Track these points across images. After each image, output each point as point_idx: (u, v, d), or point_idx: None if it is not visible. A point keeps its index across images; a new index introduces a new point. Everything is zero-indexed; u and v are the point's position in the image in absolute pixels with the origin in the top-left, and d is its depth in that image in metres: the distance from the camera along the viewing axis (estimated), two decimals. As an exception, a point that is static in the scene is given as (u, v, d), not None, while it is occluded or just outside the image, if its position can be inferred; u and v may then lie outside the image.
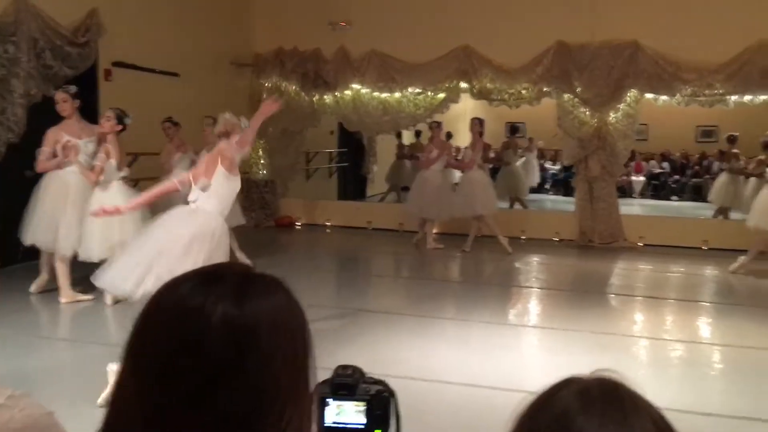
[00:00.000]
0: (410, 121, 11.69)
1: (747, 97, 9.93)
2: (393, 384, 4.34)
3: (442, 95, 11.06)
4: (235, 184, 4.63)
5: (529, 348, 5.79)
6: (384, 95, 11.34)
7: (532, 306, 7.36)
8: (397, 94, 11.27)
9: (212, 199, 4.46)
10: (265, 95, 11.69)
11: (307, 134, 12.30)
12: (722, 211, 11.91)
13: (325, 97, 11.63)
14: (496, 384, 4.49)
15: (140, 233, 4.66)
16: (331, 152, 14.34)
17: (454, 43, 10.77)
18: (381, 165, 15.50)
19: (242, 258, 8.19)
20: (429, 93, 11.12)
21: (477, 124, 9.68)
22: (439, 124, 10.18)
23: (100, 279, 4.43)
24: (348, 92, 11.48)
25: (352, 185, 14.99)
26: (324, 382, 1.14)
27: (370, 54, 11.20)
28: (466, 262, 9.44)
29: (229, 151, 4.56)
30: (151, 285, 3.98)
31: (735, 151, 11.96)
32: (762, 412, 4.29)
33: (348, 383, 1.10)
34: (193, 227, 4.32)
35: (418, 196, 10.01)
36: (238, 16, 11.70)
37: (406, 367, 4.89)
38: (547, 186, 18.44)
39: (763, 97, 9.87)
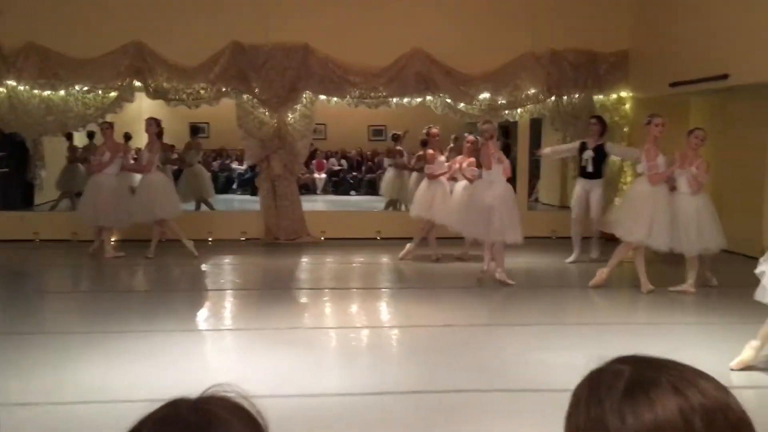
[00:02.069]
0: (79, 122, 10.74)
1: (406, 99, 10.98)
2: (66, 410, 3.93)
3: (114, 94, 10.38)
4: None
5: (214, 352, 5.71)
6: (47, 93, 10.29)
7: (220, 308, 7.28)
8: (63, 92, 10.31)
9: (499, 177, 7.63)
10: None
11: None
12: (392, 204, 13.06)
13: (-27, 94, 10.18)
14: (181, 394, 4.32)
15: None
16: (-14, 157, 12.59)
17: (124, 38, 10.19)
18: (51, 170, 14.03)
19: None
20: (99, 91, 10.36)
21: (153, 125, 9.29)
22: (110, 125, 9.56)
23: None
24: (2, 89, 10.19)
25: (16, 193, 13.36)
26: None
27: (28, 47, 10.08)
28: (150, 270, 9.01)
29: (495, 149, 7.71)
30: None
31: (399, 148, 13.18)
32: (433, 384, 4.76)
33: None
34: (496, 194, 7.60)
35: (92, 203, 9.29)
36: None
37: (81, 389, 4.49)
38: (235, 186, 18.51)
39: (419, 99, 11.00)
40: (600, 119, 9.19)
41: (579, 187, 9.27)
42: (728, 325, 6.15)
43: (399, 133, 13.14)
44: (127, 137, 12.37)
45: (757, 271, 4.89)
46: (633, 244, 7.39)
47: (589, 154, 8.82)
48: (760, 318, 4.97)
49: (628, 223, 7.40)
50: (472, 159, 9.18)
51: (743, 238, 8.91)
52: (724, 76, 8.48)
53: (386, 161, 16.34)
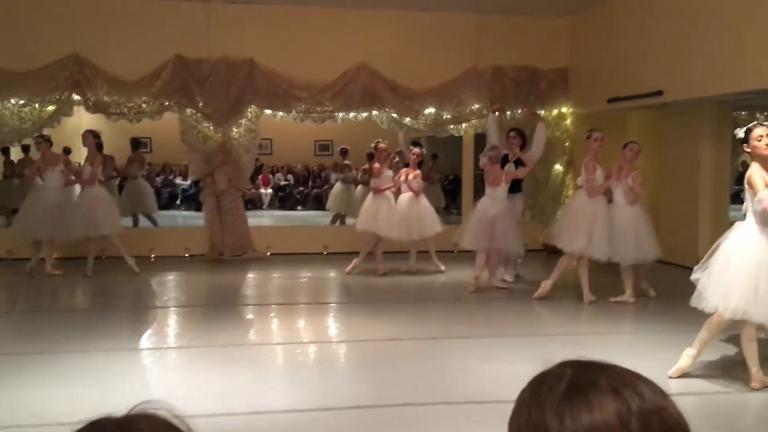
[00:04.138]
0: (15, 136, 10.37)
1: (352, 114, 11.00)
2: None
3: (52, 107, 10.11)
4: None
5: (158, 371, 5.56)
6: (-20, 107, 9.95)
7: (163, 326, 7.11)
8: (-2, 106, 9.99)
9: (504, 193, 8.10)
10: None
11: None
12: (339, 218, 13.04)
13: None
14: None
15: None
16: None
17: (62, 51, 9.94)
18: (-16, 186, 13.59)
19: None
20: (36, 105, 10.06)
21: (89, 136, 9.08)
22: (47, 139, 9.29)
23: None
24: (-68, 102, 9.80)
25: (-54, 210, 12.86)
26: None
27: (-42, 59, 9.74)
28: (90, 288, 8.76)
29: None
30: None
31: (346, 162, 13.21)
32: (380, 398, 4.73)
33: None
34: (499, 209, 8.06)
35: (30, 217, 9.01)
36: None
37: (18, 413, 4.34)
38: (179, 201, 18.19)
39: (365, 114, 11.04)
40: (519, 132, 8.74)
41: None
42: (666, 334, 6.33)
43: (346, 147, 13.16)
44: (67, 152, 12.05)
45: (693, 277, 5.06)
46: (575, 254, 7.57)
47: (510, 167, 8.50)
48: (696, 326, 5.13)
49: (569, 234, 7.59)
50: (418, 171, 9.26)
51: (679, 249, 9.20)
52: (659, 93, 8.78)
53: (333, 176, 16.33)
